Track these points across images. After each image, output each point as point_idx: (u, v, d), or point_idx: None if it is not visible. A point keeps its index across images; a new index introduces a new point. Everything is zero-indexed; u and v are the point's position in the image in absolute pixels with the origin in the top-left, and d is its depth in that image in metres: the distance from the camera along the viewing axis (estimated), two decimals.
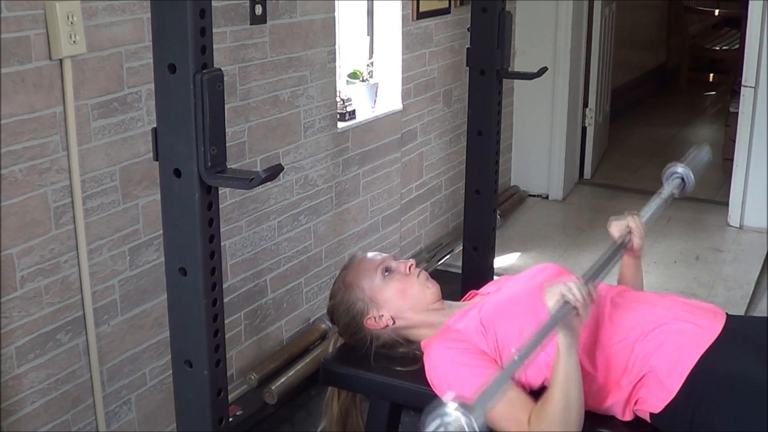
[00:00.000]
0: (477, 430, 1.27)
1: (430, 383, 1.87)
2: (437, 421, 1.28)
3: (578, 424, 1.69)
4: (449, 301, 2.06)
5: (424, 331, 1.98)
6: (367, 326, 2.00)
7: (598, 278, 1.76)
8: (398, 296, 1.98)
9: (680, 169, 2.08)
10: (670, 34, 7.68)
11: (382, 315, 1.98)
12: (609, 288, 1.95)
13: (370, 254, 2.07)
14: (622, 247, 1.93)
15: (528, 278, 1.99)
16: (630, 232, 1.96)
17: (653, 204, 2.03)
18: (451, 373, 1.82)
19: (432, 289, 2.01)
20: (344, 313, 2.03)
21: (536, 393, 1.84)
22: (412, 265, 2.03)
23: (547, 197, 4.67)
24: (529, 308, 1.85)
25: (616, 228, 1.97)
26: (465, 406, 1.29)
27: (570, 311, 1.63)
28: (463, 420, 1.28)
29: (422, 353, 1.96)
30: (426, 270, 2.26)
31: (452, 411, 1.29)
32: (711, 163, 2.21)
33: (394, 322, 1.99)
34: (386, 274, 2.00)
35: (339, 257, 3.10)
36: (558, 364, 1.68)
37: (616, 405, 1.79)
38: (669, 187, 2.07)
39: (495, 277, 2.40)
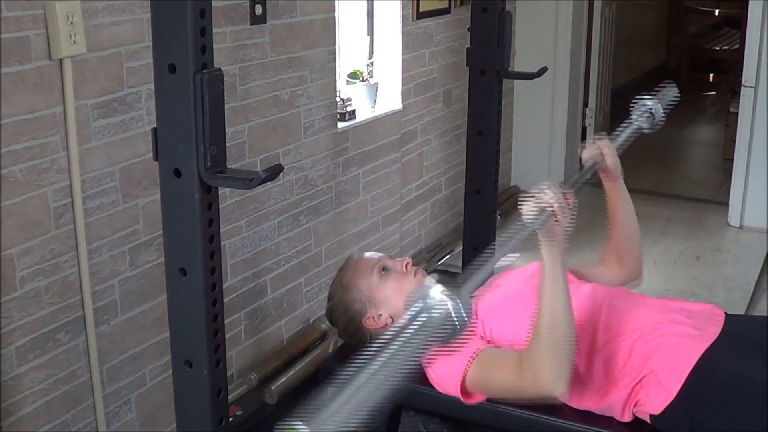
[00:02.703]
0: (463, 313, 1.21)
1: (426, 371, 1.87)
2: (420, 304, 1.23)
3: (567, 345, 1.63)
4: None
5: None
6: (366, 326, 2.00)
7: (572, 189, 1.69)
8: (396, 295, 1.98)
9: (649, 101, 2.05)
10: (670, 34, 7.68)
11: (381, 314, 1.98)
12: (606, 291, 1.95)
13: (366, 254, 2.07)
14: (594, 165, 1.89)
15: (525, 278, 1.99)
16: (601, 153, 1.93)
17: (623, 132, 2.00)
18: (439, 357, 1.80)
19: None
20: (342, 314, 2.03)
21: None
22: (408, 263, 2.03)
23: None
24: (526, 310, 1.85)
25: (587, 151, 1.94)
26: (450, 291, 1.23)
27: (548, 217, 1.57)
28: (449, 303, 1.21)
29: None
30: (426, 270, 2.26)
31: (437, 294, 1.22)
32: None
33: (393, 321, 1.98)
34: (383, 273, 2.00)
35: (339, 257, 3.10)
36: (543, 279, 1.63)
37: (615, 406, 1.79)
38: (638, 120, 2.04)
39: None
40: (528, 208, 1.60)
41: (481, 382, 1.77)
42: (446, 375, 1.81)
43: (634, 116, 2.06)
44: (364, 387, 1.08)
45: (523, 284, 1.95)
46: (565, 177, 1.80)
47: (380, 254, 2.07)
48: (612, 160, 1.95)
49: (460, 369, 1.77)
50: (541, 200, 1.60)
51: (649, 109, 2.06)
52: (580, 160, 1.95)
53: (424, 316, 1.21)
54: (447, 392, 1.83)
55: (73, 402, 2.14)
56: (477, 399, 1.80)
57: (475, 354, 1.77)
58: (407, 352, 1.15)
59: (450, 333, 1.22)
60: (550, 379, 1.63)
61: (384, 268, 2.01)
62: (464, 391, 1.78)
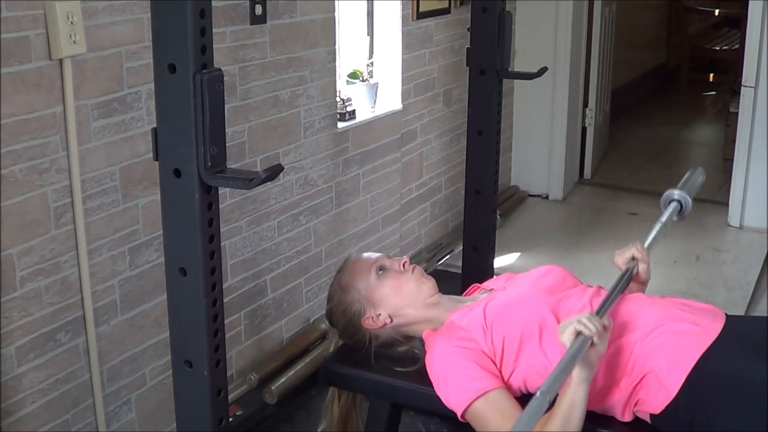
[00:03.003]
0: None
1: (428, 370, 1.89)
2: None
3: None
4: (447, 294, 2.06)
5: (423, 327, 1.98)
6: (365, 326, 2.00)
7: (609, 310, 1.76)
8: (394, 294, 1.98)
9: (676, 194, 2.12)
10: (670, 34, 7.68)
11: (380, 314, 1.98)
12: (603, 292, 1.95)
13: (363, 255, 2.08)
14: (629, 276, 1.94)
15: (533, 281, 1.99)
16: (635, 260, 1.97)
17: (654, 231, 2.08)
18: (449, 372, 1.83)
19: (427, 283, 2.01)
20: (342, 315, 2.03)
21: (528, 395, 1.85)
22: (405, 261, 2.03)
23: (547, 197, 4.67)
24: (533, 314, 1.85)
25: (622, 259, 1.98)
26: None
27: (585, 344, 1.62)
28: None
29: (422, 350, 1.96)
30: (426, 270, 2.26)
31: None
32: (710, 169, 2.23)
33: (391, 321, 1.99)
34: (380, 273, 2.00)
35: (339, 257, 3.09)
36: (567, 391, 1.67)
37: (616, 405, 1.79)
38: (668, 214, 2.12)
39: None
40: (567, 335, 1.63)
41: (479, 421, 1.79)
42: (451, 391, 1.82)
43: (665, 215, 2.11)
44: None
45: (529, 288, 1.95)
46: (605, 297, 1.83)
47: (378, 254, 2.07)
48: (644, 268, 1.99)
49: (466, 398, 1.79)
50: (580, 330, 1.63)
51: (678, 201, 2.13)
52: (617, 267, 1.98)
53: None
54: (443, 399, 1.84)
55: (73, 402, 2.14)
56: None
57: (485, 392, 1.78)
58: None
59: None
60: None
61: (381, 268, 2.01)
62: (462, 415, 1.81)
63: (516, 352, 1.83)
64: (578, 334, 1.62)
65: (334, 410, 2.11)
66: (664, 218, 2.11)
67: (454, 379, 1.82)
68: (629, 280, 1.93)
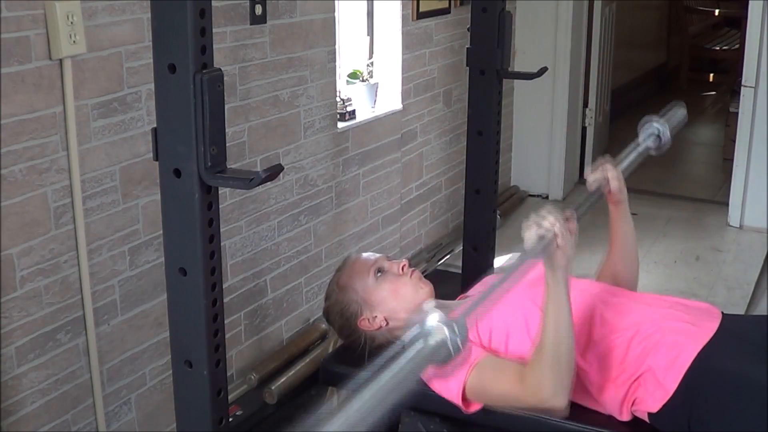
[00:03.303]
0: (459, 342, 1.23)
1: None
2: (417, 329, 1.25)
3: (568, 362, 1.67)
4: (443, 300, 2.06)
5: None
6: (361, 327, 2.00)
7: (575, 214, 1.73)
8: (391, 297, 1.98)
9: (657, 124, 2.08)
10: (670, 34, 7.68)
11: (376, 316, 1.98)
12: (602, 286, 1.95)
13: (363, 255, 2.07)
14: (599, 194, 1.92)
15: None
16: (606, 178, 1.96)
17: (629, 154, 2.03)
18: (447, 385, 1.82)
19: (425, 288, 2.00)
20: (338, 314, 2.03)
21: None
22: (404, 265, 2.03)
23: (547, 197, 4.67)
24: (517, 306, 1.85)
25: (592, 177, 1.97)
26: (448, 319, 1.25)
27: (549, 244, 1.61)
28: (446, 330, 1.23)
29: None
30: (426, 270, 2.26)
31: (434, 322, 1.24)
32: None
33: (387, 323, 1.98)
34: (379, 275, 2.00)
35: (339, 257, 3.10)
36: (547, 300, 1.68)
37: (613, 403, 1.79)
38: (645, 141, 2.07)
39: None
40: (529, 236, 1.62)
41: (481, 391, 1.78)
42: (447, 383, 1.82)
43: (641, 138, 2.08)
44: (356, 413, 1.11)
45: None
46: (576, 205, 1.82)
47: (378, 255, 2.06)
48: (616, 184, 1.97)
49: (461, 378, 1.78)
50: (542, 227, 1.62)
51: (657, 131, 2.08)
52: (586, 183, 1.97)
53: (419, 344, 1.24)
54: (447, 398, 1.83)
55: (73, 402, 2.14)
56: (476, 407, 1.82)
57: (475, 363, 1.78)
58: (400, 380, 1.18)
59: (444, 359, 1.24)
60: (551, 393, 1.66)
61: (380, 270, 2.00)
62: (464, 398, 1.80)
63: (504, 344, 1.84)
64: (541, 237, 1.61)
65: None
66: (641, 146, 2.07)
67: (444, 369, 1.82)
68: (600, 198, 1.92)
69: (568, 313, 1.68)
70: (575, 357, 1.70)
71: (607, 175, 1.96)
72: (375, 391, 1.14)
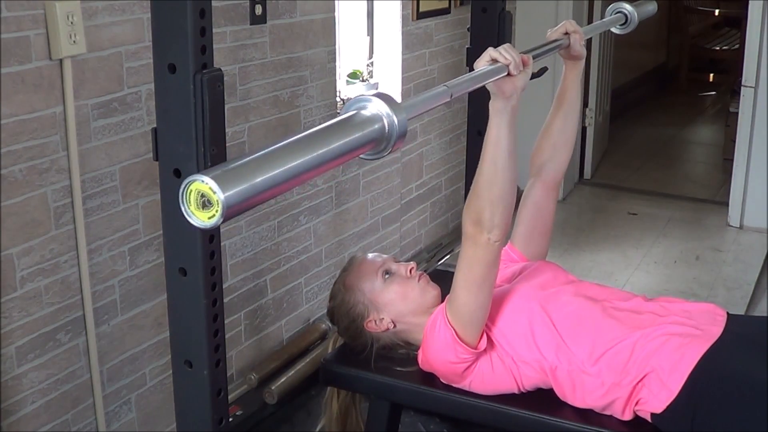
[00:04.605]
0: (396, 122, 1.18)
1: (425, 335, 1.89)
2: (357, 103, 1.20)
3: (504, 198, 1.73)
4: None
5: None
6: (367, 329, 1.99)
7: (530, 57, 1.74)
8: (399, 300, 1.98)
9: (629, 8, 2.19)
10: (670, 34, 7.68)
11: (383, 318, 1.98)
12: (605, 291, 1.95)
13: (370, 256, 2.07)
14: (558, 43, 1.99)
15: (526, 276, 1.99)
16: (566, 33, 2.01)
17: (594, 25, 2.15)
18: (442, 339, 1.83)
19: (433, 292, 2.00)
20: (344, 315, 2.02)
21: (528, 395, 1.85)
22: (413, 268, 2.03)
23: None
24: (525, 306, 1.85)
25: (555, 33, 2.03)
26: (391, 100, 1.20)
27: (499, 70, 1.61)
28: (383, 108, 1.18)
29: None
30: (426, 270, 2.26)
31: (375, 98, 1.19)
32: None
33: (394, 326, 1.98)
34: (386, 277, 1.99)
35: (339, 257, 3.10)
36: (488, 132, 1.70)
37: (617, 404, 1.79)
38: (612, 19, 2.19)
39: None
40: (481, 60, 1.63)
41: (455, 300, 1.79)
42: (439, 344, 1.83)
43: (608, 13, 2.19)
44: (276, 156, 1.13)
45: (522, 281, 1.96)
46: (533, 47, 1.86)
47: (385, 256, 2.06)
48: (576, 39, 2.02)
49: (442, 320, 1.81)
50: (495, 56, 1.62)
51: (627, 14, 2.20)
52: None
53: (352, 111, 1.20)
54: (450, 360, 1.83)
55: (73, 402, 2.14)
56: (482, 342, 1.81)
57: (442, 307, 1.82)
58: (327, 134, 1.17)
59: (375, 137, 1.18)
60: (487, 225, 1.69)
61: (388, 272, 2.00)
62: (461, 337, 1.80)
63: (509, 347, 1.84)
64: (493, 61, 1.62)
65: (333, 407, 2.11)
66: (607, 22, 2.21)
67: (431, 344, 1.86)
68: (558, 46, 2.00)
69: (507, 149, 1.71)
70: (514, 196, 1.76)
71: (568, 29, 2.00)
72: (295, 142, 1.18)
